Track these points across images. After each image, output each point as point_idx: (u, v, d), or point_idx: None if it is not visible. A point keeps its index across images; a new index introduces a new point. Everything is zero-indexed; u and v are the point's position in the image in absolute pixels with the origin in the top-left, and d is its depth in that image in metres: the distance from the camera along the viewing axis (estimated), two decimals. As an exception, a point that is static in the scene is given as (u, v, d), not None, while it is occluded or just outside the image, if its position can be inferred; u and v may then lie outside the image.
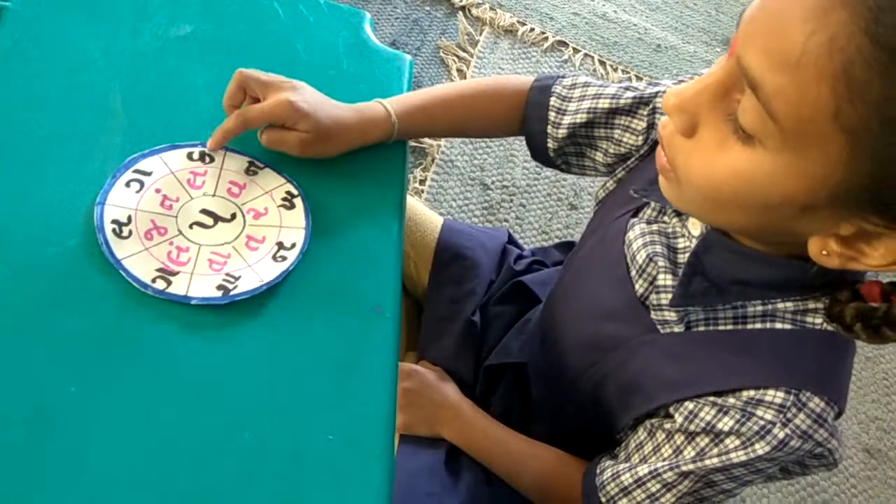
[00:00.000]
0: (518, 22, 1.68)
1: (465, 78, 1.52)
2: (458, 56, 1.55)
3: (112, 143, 0.57)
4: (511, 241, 0.92)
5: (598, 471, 0.59)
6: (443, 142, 1.36)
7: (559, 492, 0.66)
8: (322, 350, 0.53)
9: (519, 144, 1.41)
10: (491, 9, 1.67)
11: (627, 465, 0.56)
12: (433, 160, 1.35)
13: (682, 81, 0.61)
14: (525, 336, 0.76)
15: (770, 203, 0.40)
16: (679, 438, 0.53)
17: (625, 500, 0.55)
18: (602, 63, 1.71)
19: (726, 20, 2.04)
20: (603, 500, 0.57)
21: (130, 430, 0.46)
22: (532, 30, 1.68)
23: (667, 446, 0.54)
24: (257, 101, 0.60)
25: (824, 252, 0.41)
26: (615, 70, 1.71)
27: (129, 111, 0.59)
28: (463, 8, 1.64)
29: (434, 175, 1.33)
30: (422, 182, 1.32)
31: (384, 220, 0.63)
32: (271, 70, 0.67)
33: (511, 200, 1.34)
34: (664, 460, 0.53)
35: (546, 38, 1.68)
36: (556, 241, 1.29)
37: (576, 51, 1.69)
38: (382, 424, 0.52)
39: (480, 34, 1.62)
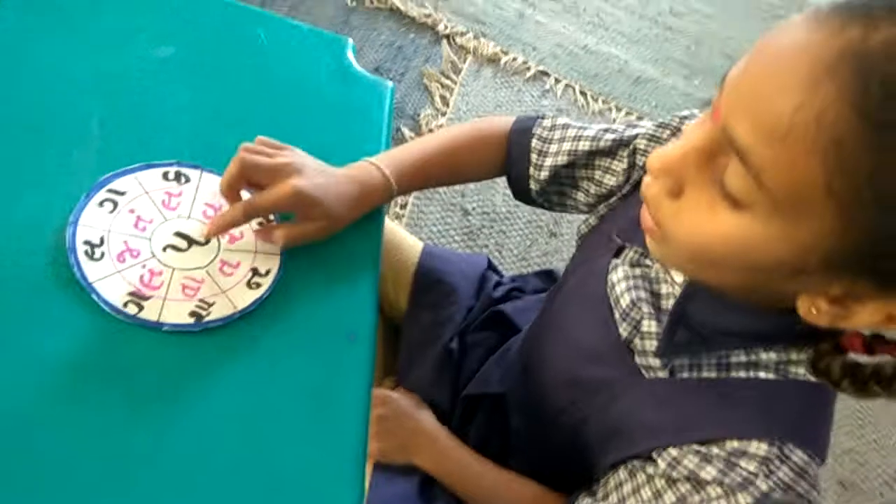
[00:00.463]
0: (501, 51, 1.70)
1: (447, 105, 1.53)
2: (441, 83, 1.57)
3: (87, 162, 0.56)
4: (490, 267, 0.91)
5: None
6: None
7: (534, 525, 0.65)
8: (295, 378, 0.52)
9: (500, 171, 1.41)
10: (475, 37, 1.69)
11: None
12: (414, 185, 1.35)
13: (662, 125, 0.62)
14: (504, 366, 0.76)
15: (759, 266, 0.40)
16: (660, 483, 0.52)
17: None
18: (583, 94, 1.73)
19: (705, 54, 2.09)
20: None
21: (99, 458, 0.45)
22: (515, 59, 1.70)
23: (647, 489, 0.53)
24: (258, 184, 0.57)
25: (813, 310, 0.41)
26: (595, 101, 1.73)
27: (107, 130, 0.59)
28: (447, 36, 1.66)
29: (415, 200, 1.33)
30: (402, 206, 1.32)
31: (361, 246, 0.62)
32: (249, 95, 0.68)
33: (491, 227, 1.34)
34: (644, 503, 0.52)
35: (528, 68, 1.70)
36: (536, 268, 1.30)
37: (557, 81, 1.72)
38: (354, 452, 0.51)
39: (464, 62, 1.64)
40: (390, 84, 0.76)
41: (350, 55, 0.76)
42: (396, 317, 0.85)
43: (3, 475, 0.43)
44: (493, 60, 1.68)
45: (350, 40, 0.77)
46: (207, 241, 0.56)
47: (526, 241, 1.35)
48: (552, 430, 0.64)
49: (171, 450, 0.47)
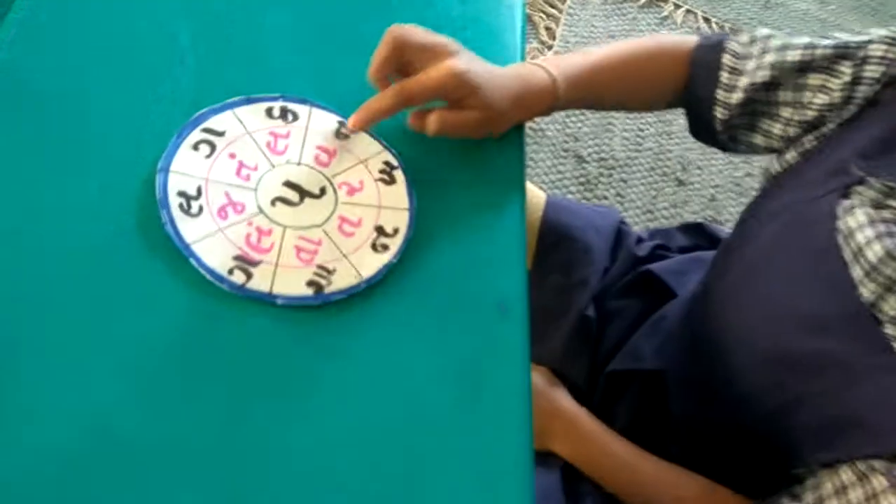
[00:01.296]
0: (610, -25, 1.51)
1: (554, 37, 1.37)
2: (545, 13, 1.41)
3: (178, 97, 0.46)
4: (623, 222, 0.79)
5: None
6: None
7: (708, 533, 0.54)
8: (438, 360, 0.43)
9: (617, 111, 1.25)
10: (580, -39, 1.50)
11: None
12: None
13: None
14: (660, 338, 0.64)
15: None
16: None
17: None
18: (706, 20, 1.52)
19: (841, -27, 1.81)
20: None
21: (200, 458, 0.37)
22: (626, -17, 1.51)
23: (890, 500, 0.41)
24: (406, 68, 0.49)
25: None
26: (720, 28, 1.52)
27: (199, 58, 0.49)
28: (549, -40, 1.49)
29: (522, 145, 1.20)
30: (507, 153, 1.19)
31: (503, 196, 0.51)
32: (360, 15, 0.56)
33: (610, 175, 1.19)
34: None
35: (642, -7, 1.51)
36: (663, 221, 1.15)
37: (676, 6, 1.51)
38: (517, 447, 0.41)
39: (569, -11, 1.47)
40: (521, -2, 0.63)
41: (473, -36, 0.62)
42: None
43: (93, 475, 0.35)
44: (601, -14, 1.49)
45: (471, -53, 0.64)
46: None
47: (650, 190, 1.19)
48: (738, 419, 0.53)
49: (288, 449, 0.38)
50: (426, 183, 0.49)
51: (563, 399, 0.64)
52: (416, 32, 0.48)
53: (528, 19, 1.39)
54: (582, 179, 1.17)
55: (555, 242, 0.73)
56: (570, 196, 1.15)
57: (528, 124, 1.23)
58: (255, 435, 0.38)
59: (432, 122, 0.48)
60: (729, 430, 0.55)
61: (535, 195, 0.76)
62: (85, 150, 0.43)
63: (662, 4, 1.51)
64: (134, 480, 0.35)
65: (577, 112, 1.25)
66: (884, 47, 0.48)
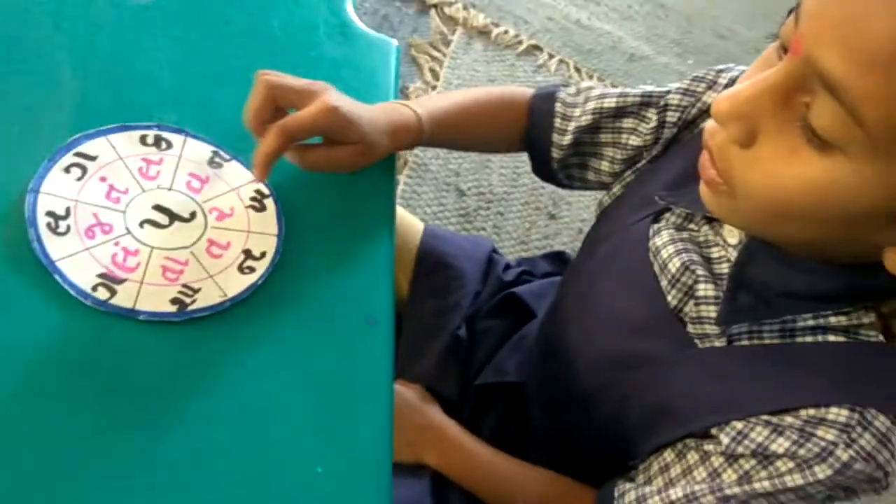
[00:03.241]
0: (492, 23, 1.62)
1: (437, 78, 1.45)
2: (430, 55, 1.49)
3: (54, 122, 0.47)
4: (495, 250, 0.85)
5: (616, 493, 0.53)
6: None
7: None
8: (300, 373, 0.45)
9: (496, 149, 1.34)
10: (464, 8, 1.61)
11: (654, 488, 0.50)
12: (405, 163, 1.28)
13: (697, 79, 0.58)
14: (521, 354, 0.70)
15: (849, 216, 0.36)
16: (717, 461, 0.48)
17: None
18: (577, 70, 1.67)
19: (697, 33, 2.04)
20: None
21: (62, 472, 0.37)
22: (506, 32, 1.63)
23: (700, 469, 0.49)
24: (279, 113, 0.51)
25: None
26: (590, 77, 1.67)
27: (78, 86, 0.50)
28: (435, 6, 1.58)
29: (407, 179, 1.26)
30: (393, 186, 1.24)
31: (373, 223, 0.55)
32: (241, 50, 0.59)
33: (488, 208, 1.27)
34: (699, 483, 0.47)
35: (520, 42, 1.63)
36: (536, 251, 1.24)
37: (550, 56, 1.65)
38: (379, 453, 0.44)
39: (453, 34, 1.56)
40: (395, 43, 0.69)
41: (350, 10, 0.67)
42: (396, 301, 0.79)
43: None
44: (483, 33, 1.60)
45: (348, -6, 0.69)
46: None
47: (524, 223, 1.28)
48: (581, 420, 0.59)
49: (155, 460, 0.39)
50: (297, 209, 0.52)
51: (435, 413, 0.68)
52: (285, 76, 0.50)
53: (413, 62, 1.46)
54: (462, 212, 1.24)
55: (431, 269, 0.77)
56: (450, 227, 1.21)
57: (413, 160, 1.29)
58: (119, 450, 0.39)
59: (308, 156, 0.52)
60: (576, 434, 0.61)
61: (413, 224, 0.80)
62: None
63: (538, 54, 1.64)
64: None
65: (459, 149, 1.32)
66: (678, 96, 0.57)
